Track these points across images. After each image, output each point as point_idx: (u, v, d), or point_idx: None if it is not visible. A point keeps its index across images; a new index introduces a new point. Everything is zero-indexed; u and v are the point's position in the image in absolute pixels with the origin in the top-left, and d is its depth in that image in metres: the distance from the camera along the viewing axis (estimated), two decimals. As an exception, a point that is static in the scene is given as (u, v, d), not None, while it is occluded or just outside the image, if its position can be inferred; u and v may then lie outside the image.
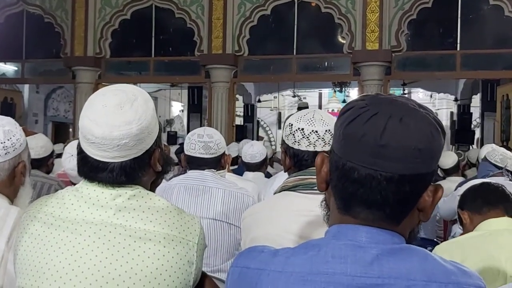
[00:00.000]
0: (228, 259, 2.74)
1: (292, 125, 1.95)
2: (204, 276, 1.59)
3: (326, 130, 1.91)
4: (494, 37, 9.84)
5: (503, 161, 4.88)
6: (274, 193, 2.01)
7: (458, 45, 9.76)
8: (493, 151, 5.05)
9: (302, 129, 1.92)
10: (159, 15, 10.98)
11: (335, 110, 21.30)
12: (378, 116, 1.00)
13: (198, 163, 2.86)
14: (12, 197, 1.92)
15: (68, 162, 3.00)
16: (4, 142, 1.85)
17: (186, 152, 2.91)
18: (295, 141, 1.94)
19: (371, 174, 1.00)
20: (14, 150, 1.88)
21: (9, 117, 1.98)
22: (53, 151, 4.00)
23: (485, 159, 5.08)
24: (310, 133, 1.91)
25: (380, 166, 0.99)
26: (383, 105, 1.02)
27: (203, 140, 2.85)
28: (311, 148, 1.91)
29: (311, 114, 1.94)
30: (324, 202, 1.18)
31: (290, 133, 1.95)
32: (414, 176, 1.00)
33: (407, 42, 9.79)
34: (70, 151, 3.01)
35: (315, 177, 1.79)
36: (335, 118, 1.91)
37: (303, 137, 1.92)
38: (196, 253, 1.45)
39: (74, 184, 2.96)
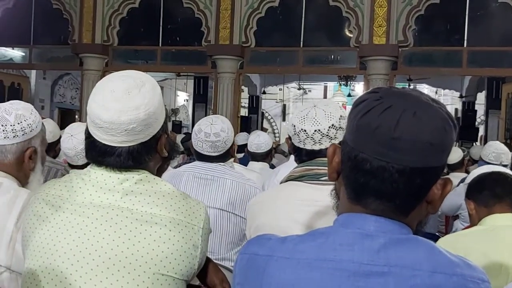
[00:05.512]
0: (232, 248, 2.76)
1: (295, 126, 1.95)
2: (208, 260, 1.62)
3: (329, 126, 1.90)
4: (501, 35, 9.80)
5: (497, 158, 4.91)
6: (280, 183, 2.01)
7: (465, 41, 9.71)
8: (485, 150, 5.08)
9: (305, 130, 1.92)
10: (167, 4, 10.98)
11: (340, 104, 21.31)
12: (392, 109, 1.01)
13: (206, 159, 2.85)
14: (23, 182, 1.93)
15: (66, 142, 3.06)
16: (14, 125, 1.87)
17: (194, 147, 2.88)
18: (300, 141, 1.95)
19: (383, 166, 1.01)
20: (23, 135, 1.89)
21: (28, 104, 1.99)
22: (60, 136, 4.01)
23: (480, 158, 5.12)
24: (314, 132, 1.91)
25: (392, 158, 1.00)
26: (397, 98, 1.03)
27: (210, 140, 2.79)
28: (316, 147, 1.92)
29: (313, 112, 1.93)
30: (334, 191, 1.19)
31: (295, 133, 1.96)
32: (425, 169, 1.02)
33: (414, 38, 9.74)
34: (69, 131, 3.08)
35: (321, 167, 1.84)
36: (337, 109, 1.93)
37: (307, 137, 1.92)
38: (201, 237, 1.47)
39: (71, 165, 3.02)
